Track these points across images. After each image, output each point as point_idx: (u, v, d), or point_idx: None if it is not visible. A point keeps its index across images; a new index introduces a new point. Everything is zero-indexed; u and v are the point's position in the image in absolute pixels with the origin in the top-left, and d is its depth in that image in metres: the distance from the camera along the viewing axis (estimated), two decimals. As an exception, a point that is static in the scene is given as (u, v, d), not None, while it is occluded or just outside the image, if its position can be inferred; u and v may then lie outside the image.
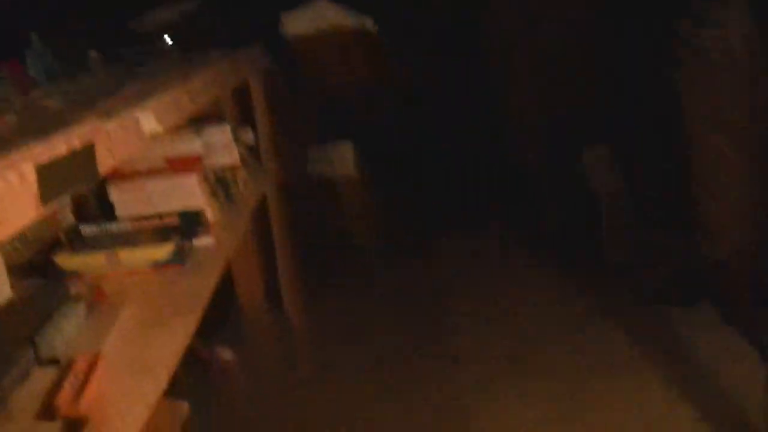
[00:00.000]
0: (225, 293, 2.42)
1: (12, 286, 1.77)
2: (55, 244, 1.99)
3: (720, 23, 2.55)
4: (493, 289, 3.20)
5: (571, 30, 3.88)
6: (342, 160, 4.69)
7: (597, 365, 2.58)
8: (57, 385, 1.34)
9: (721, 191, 2.69)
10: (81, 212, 2.20)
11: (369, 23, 4.48)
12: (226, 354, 2.67)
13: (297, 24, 4.42)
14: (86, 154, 1.21)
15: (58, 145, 1.12)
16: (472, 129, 4.72)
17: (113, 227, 2.06)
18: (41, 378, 1.40)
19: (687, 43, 2.62)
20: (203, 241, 2.05)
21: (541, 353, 2.70)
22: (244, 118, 2.85)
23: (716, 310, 2.77)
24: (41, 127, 1.21)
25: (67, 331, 1.51)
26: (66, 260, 1.91)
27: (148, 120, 1.49)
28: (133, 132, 1.44)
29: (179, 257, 1.90)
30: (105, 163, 1.27)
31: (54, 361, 1.44)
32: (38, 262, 1.94)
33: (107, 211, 2.20)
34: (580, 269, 3.26)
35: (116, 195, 2.18)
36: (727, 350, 2.55)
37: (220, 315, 2.59)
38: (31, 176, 1.02)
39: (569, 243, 3.50)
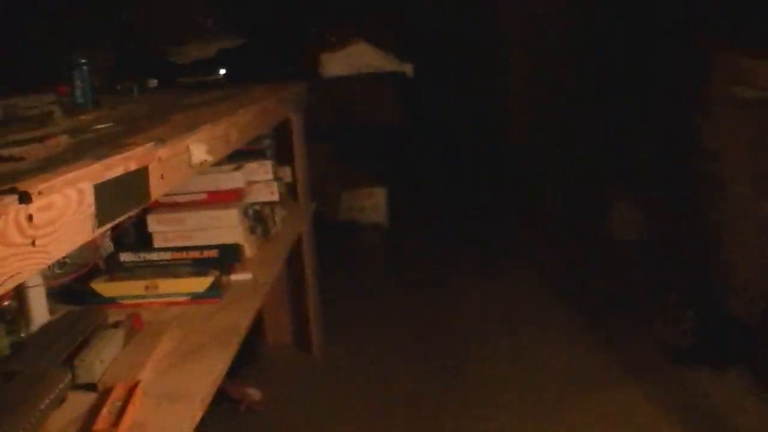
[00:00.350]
0: (252, 330, 2.42)
1: (50, 310, 1.77)
2: (92, 271, 1.98)
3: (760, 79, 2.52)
4: (512, 336, 3.15)
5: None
6: (374, 206, 4.71)
7: (617, 429, 2.52)
8: (95, 410, 1.33)
9: (760, 253, 2.65)
10: (118, 240, 2.20)
11: (407, 67, 4.51)
12: (253, 393, 2.65)
13: (335, 64, 4.45)
14: (140, 177, 1.20)
15: (115, 167, 1.11)
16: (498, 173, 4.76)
17: (152, 256, 2.06)
18: (78, 402, 1.38)
19: (724, 98, 2.59)
20: (240, 276, 2.04)
21: (558, 411, 2.63)
22: (282, 155, 2.85)
23: (751, 374, 2.70)
24: (94, 148, 1.20)
25: (105, 357, 1.50)
26: (104, 287, 1.90)
27: (199, 149, 1.49)
28: (184, 160, 1.44)
29: (217, 291, 1.89)
30: (156, 187, 1.27)
31: (91, 386, 1.43)
32: (76, 288, 1.94)
33: (144, 241, 2.20)
34: (604, 319, 3.21)
35: (155, 225, 2.18)
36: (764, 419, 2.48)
37: (247, 352, 2.57)
38: (90, 195, 1.02)
39: (592, 290, 3.47)
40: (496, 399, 2.66)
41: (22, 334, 1.65)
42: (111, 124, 1.63)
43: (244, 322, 1.78)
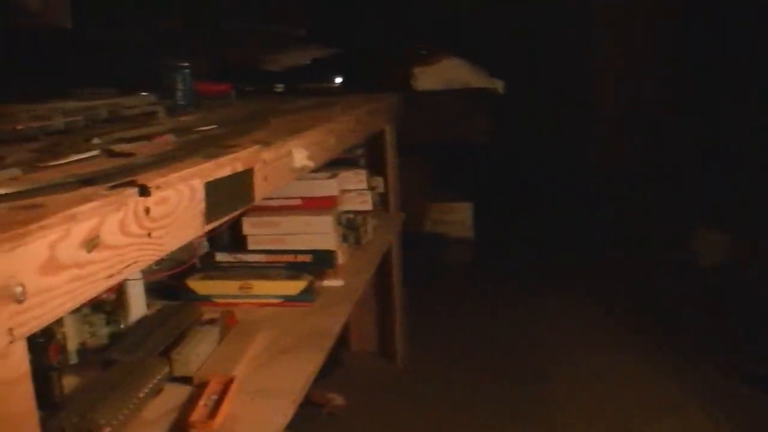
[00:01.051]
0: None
1: (147, 305, 1.83)
2: (188, 268, 2.04)
3: None
4: (589, 357, 3.12)
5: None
6: (460, 221, 4.71)
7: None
8: (190, 402, 1.36)
9: None
10: (213, 241, 2.25)
11: (498, 84, 4.51)
12: (336, 398, 2.68)
13: (427, 78, 4.47)
14: (246, 178, 1.24)
15: (224, 166, 1.15)
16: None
17: (247, 258, 2.10)
18: (174, 393, 1.42)
19: None
20: (332, 282, 2.08)
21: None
22: (374, 165, 2.88)
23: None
24: (203, 148, 1.24)
25: (200, 352, 1.54)
26: (199, 285, 1.95)
27: (301, 154, 1.53)
28: (286, 164, 1.47)
29: (309, 295, 1.92)
30: (260, 189, 1.30)
31: (187, 379, 1.47)
32: (171, 284, 2.00)
33: (237, 243, 2.25)
34: (681, 344, 3.16)
35: (250, 228, 2.22)
36: None
37: (331, 358, 2.61)
38: (200, 192, 1.06)
39: (671, 316, 3.43)
40: (572, 420, 2.65)
41: (121, 326, 1.70)
42: (214, 126, 1.67)
43: (335, 327, 1.81)
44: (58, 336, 1.52)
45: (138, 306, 1.79)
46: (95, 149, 1.27)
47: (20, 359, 0.70)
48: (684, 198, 4.31)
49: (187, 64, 2.40)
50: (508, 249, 4.62)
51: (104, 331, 1.67)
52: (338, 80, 2.62)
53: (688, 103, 4.46)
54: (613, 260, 4.26)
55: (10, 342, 0.68)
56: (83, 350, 1.60)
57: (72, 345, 1.58)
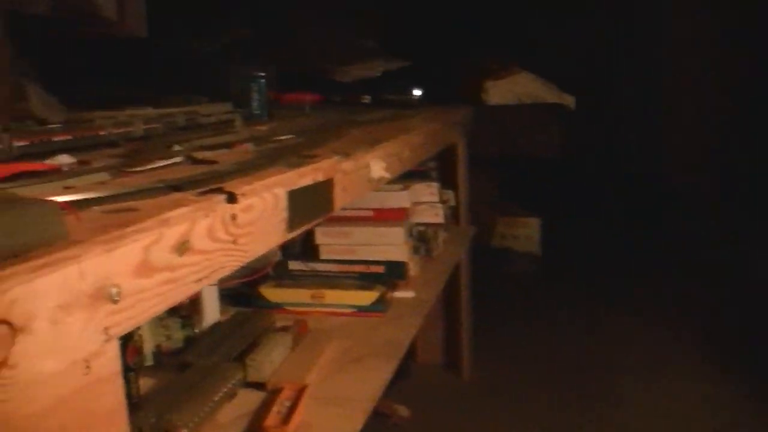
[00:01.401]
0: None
1: (220, 311, 1.86)
2: (261, 276, 2.06)
3: None
4: (657, 378, 3.08)
5: None
6: (527, 236, 4.70)
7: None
8: (264, 408, 1.38)
9: None
10: (285, 249, 2.28)
11: (568, 99, 4.49)
12: (401, 409, 2.69)
13: (498, 92, 4.46)
14: (326, 188, 1.25)
15: (306, 175, 1.16)
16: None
17: (320, 267, 2.12)
18: (248, 398, 1.44)
19: None
20: (403, 294, 2.09)
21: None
22: (445, 178, 2.88)
23: None
24: (282, 157, 1.26)
25: (274, 358, 1.56)
26: (271, 292, 1.97)
27: (378, 166, 1.54)
28: (363, 175, 1.49)
29: (381, 305, 1.93)
30: (339, 199, 1.32)
31: (259, 385, 1.49)
32: (244, 291, 2.03)
33: (309, 252, 2.27)
34: (760, 367, 3.10)
35: (322, 237, 2.24)
36: None
37: (397, 369, 2.61)
38: (283, 200, 1.07)
39: (749, 339, 3.37)
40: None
41: (195, 330, 1.73)
42: (291, 135, 1.69)
43: (407, 338, 1.81)
44: (135, 338, 1.55)
45: (212, 311, 1.82)
46: (178, 156, 1.29)
47: (113, 358, 0.72)
48: (761, 216, 4.24)
49: (263, 74, 2.44)
50: (576, 265, 4.59)
51: (179, 335, 1.70)
52: (417, 93, 2.62)
53: (764, 115, 4.39)
54: (687, 279, 4.20)
55: (106, 341, 0.70)
56: (158, 353, 1.63)
57: (148, 347, 1.62)
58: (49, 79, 2.88)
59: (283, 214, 1.07)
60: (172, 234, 0.80)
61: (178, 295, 0.81)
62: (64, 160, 1.28)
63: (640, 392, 2.95)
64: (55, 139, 1.44)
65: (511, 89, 4.46)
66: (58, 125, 1.55)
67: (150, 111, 2.00)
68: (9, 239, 0.60)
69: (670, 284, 4.16)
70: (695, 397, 2.90)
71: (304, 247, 2.30)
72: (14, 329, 0.59)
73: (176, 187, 0.95)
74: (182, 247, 0.81)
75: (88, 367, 0.69)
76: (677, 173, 5.04)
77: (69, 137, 1.49)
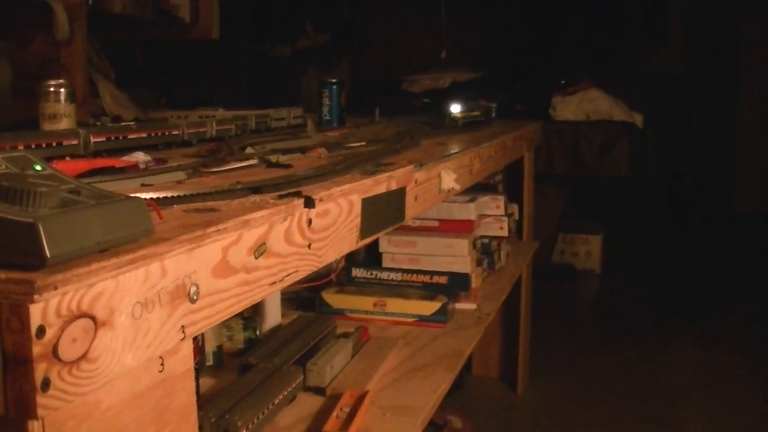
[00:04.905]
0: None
1: (282, 314, 1.87)
2: (324, 282, 2.07)
3: None
4: (713, 399, 3.02)
5: None
6: (588, 253, 4.66)
7: None
8: (323, 413, 1.38)
9: None
10: (349, 256, 2.28)
11: (637, 117, 4.44)
12: (456, 420, 2.67)
13: (567, 108, 4.44)
14: (399, 197, 1.25)
15: (380, 183, 1.17)
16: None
17: (383, 275, 2.12)
18: (307, 403, 1.45)
19: None
20: (465, 305, 2.08)
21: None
22: (511, 192, 2.86)
23: None
24: (358, 164, 1.26)
25: (335, 364, 1.56)
26: (334, 298, 1.98)
27: (449, 176, 1.53)
28: (435, 185, 1.48)
29: (443, 316, 1.93)
30: (411, 208, 1.32)
31: (320, 390, 1.49)
32: (306, 296, 2.04)
33: (372, 260, 2.27)
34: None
35: (386, 246, 2.24)
36: None
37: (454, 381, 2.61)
38: (357, 207, 1.07)
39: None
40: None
41: (257, 332, 1.74)
42: (363, 142, 1.70)
43: (467, 350, 1.81)
44: (197, 337, 1.56)
45: (274, 314, 1.83)
46: (252, 158, 1.30)
47: (188, 356, 0.73)
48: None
49: (336, 80, 2.45)
50: (637, 284, 4.54)
51: (241, 336, 1.71)
52: (489, 105, 2.61)
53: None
54: (749, 301, 4.13)
55: (182, 339, 0.70)
56: (219, 353, 1.65)
57: (209, 347, 1.63)
58: (120, 77, 2.94)
59: (357, 221, 1.07)
60: (251, 236, 0.80)
61: (253, 297, 0.81)
62: (140, 157, 1.30)
63: (698, 413, 2.90)
64: (131, 136, 1.46)
65: (579, 105, 4.43)
66: (132, 123, 1.58)
67: (222, 113, 2.03)
68: (100, 234, 0.61)
69: (734, 307, 4.09)
70: (755, 419, 2.85)
71: (368, 255, 2.30)
72: (97, 323, 0.60)
73: (255, 189, 0.95)
74: (260, 250, 0.81)
75: (162, 364, 0.70)
76: (747, 200, 4.96)
77: (143, 135, 1.51)
